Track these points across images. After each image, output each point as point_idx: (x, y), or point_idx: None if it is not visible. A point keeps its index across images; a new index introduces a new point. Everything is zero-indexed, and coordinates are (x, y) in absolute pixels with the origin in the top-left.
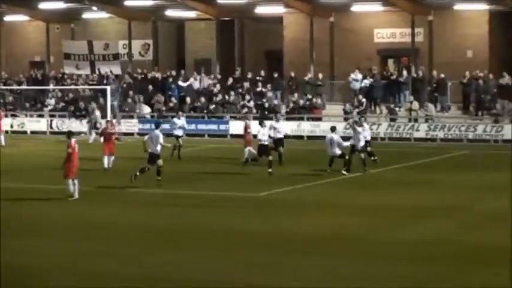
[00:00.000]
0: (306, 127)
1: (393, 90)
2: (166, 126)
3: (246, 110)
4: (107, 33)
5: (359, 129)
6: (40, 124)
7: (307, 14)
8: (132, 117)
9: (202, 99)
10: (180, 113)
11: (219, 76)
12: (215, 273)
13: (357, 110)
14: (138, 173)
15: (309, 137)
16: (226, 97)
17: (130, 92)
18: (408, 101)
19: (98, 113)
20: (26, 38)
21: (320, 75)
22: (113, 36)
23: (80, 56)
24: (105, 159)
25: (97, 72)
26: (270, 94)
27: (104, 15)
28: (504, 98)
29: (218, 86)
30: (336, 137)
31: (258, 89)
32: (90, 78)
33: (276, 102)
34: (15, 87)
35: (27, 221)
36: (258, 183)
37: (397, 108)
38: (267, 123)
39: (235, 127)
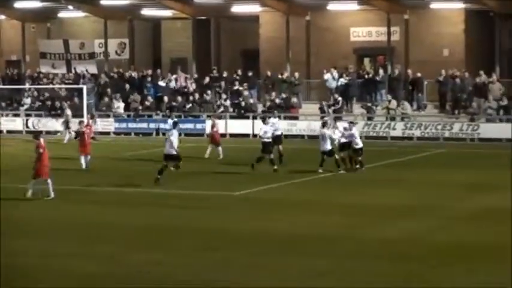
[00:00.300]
0: (282, 126)
1: (369, 89)
2: (143, 125)
3: (222, 109)
4: (83, 33)
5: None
6: (16, 123)
7: (283, 13)
8: (108, 116)
9: (179, 98)
10: (173, 114)
11: (195, 75)
12: (193, 273)
13: (332, 108)
14: (172, 169)
15: (286, 136)
16: (204, 96)
17: (108, 90)
18: (386, 100)
19: (69, 112)
20: (1, 37)
21: (296, 74)
22: (89, 35)
23: (56, 55)
24: (83, 159)
25: (73, 71)
26: (246, 93)
27: (79, 14)
28: (480, 96)
29: (193, 85)
30: (328, 132)
31: (235, 88)
32: (66, 77)
33: (252, 101)
34: None
35: (4, 221)
36: (235, 182)
37: (374, 107)
38: (270, 120)
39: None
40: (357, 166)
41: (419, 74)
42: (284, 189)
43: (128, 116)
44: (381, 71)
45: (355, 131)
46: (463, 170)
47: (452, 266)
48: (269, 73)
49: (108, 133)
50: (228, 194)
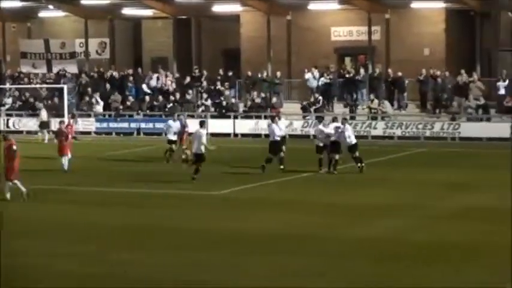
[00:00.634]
0: (263, 125)
1: (350, 89)
2: (124, 125)
3: (203, 108)
4: (63, 32)
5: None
6: None
7: (264, 13)
8: (89, 115)
9: (160, 97)
10: (176, 114)
11: (176, 75)
12: (173, 273)
13: (313, 108)
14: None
15: (267, 135)
16: (185, 96)
17: (89, 90)
18: (369, 99)
19: (44, 113)
20: None
21: (278, 74)
22: (70, 35)
23: (37, 54)
24: (63, 160)
25: (54, 70)
26: (227, 92)
27: (60, 13)
28: (461, 95)
29: (174, 85)
30: (326, 129)
31: (216, 88)
32: (47, 77)
33: (234, 100)
34: None
35: None
36: (214, 182)
37: (359, 107)
38: (280, 121)
39: (193, 126)
40: (361, 164)
41: (400, 74)
42: (266, 188)
43: (109, 115)
44: (362, 71)
45: (349, 128)
46: (444, 169)
47: (435, 265)
48: (250, 73)
49: (89, 133)
50: (209, 193)
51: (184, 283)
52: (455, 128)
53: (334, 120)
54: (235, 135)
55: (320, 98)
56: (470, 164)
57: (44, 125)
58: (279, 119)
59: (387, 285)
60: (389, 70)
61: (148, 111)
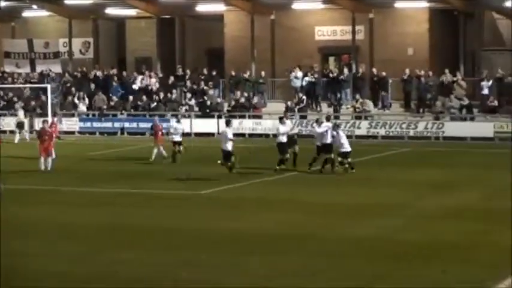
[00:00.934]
0: (247, 125)
1: (334, 88)
2: (108, 124)
3: (186, 107)
4: (47, 32)
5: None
6: None
7: (248, 12)
8: (72, 115)
9: (144, 97)
10: (180, 116)
11: (160, 74)
12: (162, 272)
13: (297, 107)
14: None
15: (251, 135)
16: (168, 95)
17: (73, 89)
18: (354, 99)
19: (21, 112)
20: None
21: (263, 73)
22: (53, 35)
23: (20, 54)
24: (42, 161)
25: (37, 70)
26: (211, 92)
27: (44, 13)
28: (445, 95)
29: (157, 84)
30: (318, 129)
31: (200, 87)
32: (31, 77)
33: (219, 100)
34: None
35: None
36: (200, 181)
37: (343, 107)
38: (288, 121)
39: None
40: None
41: (384, 73)
42: (251, 188)
43: (93, 115)
44: (346, 70)
45: (342, 135)
46: (427, 169)
47: (420, 265)
48: (233, 72)
49: (72, 132)
50: (194, 193)
51: (173, 283)
52: (439, 127)
53: (329, 119)
54: (219, 134)
55: (304, 97)
56: (454, 163)
57: (20, 125)
58: (287, 118)
59: (376, 285)
60: (374, 70)
61: (132, 110)
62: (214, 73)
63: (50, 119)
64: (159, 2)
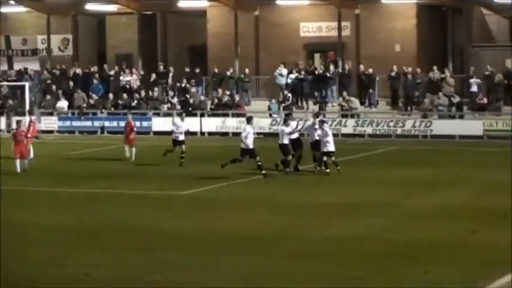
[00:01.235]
0: (231, 123)
1: (320, 86)
2: (87, 123)
3: (169, 106)
4: (25, 28)
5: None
6: None
7: (231, 8)
8: (51, 114)
9: (124, 95)
10: (183, 114)
11: (142, 71)
12: (138, 274)
13: (282, 105)
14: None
15: (234, 134)
16: (150, 93)
17: (53, 87)
18: (342, 97)
19: None
20: None
21: (247, 70)
22: (32, 31)
23: None
24: (17, 163)
25: (15, 68)
26: (193, 90)
27: (22, 9)
28: (433, 92)
29: (138, 82)
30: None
31: (182, 85)
32: (8, 75)
33: (202, 98)
34: None
35: None
36: (181, 182)
37: (329, 104)
38: (292, 122)
39: (159, 124)
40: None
41: (370, 70)
42: (233, 188)
43: (72, 113)
44: (332, 67)
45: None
46: (416, 168)
47: (405, 265)
48: (216, 69)
49: (51, 131)
50: (176, 193)
51: (149, 284)
52: (427, 125)
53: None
54: (202, 133)
55: (289, 95)
56: (442, 162)
57: None
58: (292, 119)
59: (368, 285)
60: (361, 66)
61: (112, 109)
62: (197, 70)
63: (27, 118)
64: None
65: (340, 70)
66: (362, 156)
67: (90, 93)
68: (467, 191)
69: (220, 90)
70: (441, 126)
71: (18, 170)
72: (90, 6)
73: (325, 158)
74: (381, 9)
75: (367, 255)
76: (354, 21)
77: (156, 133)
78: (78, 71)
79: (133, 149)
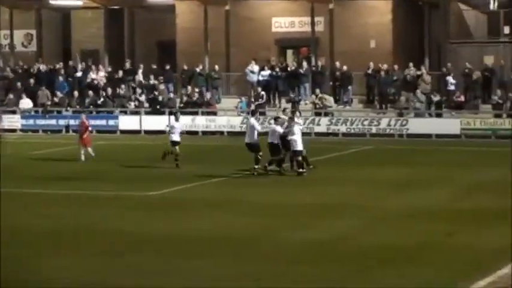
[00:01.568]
0: (200, 122)
1: (293, 83)
2: (52, 122)
3: (136, 103)
4: None
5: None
6: None
7: (200, 2)
8: (14, 112)
9: (90, 92)
10: (179, 113)
11: (109, 68)
12: (104, 277)
13: (256, 103)
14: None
15: (204, 133)
16: (117, 90)
17: (18, 85)
18: (315, 94)
19: None
20: None
21: (216, 67)
22: None
23: None
24: None
25: None
26: (162, 87)
27: None
28: (409, 90)
29: (104, 79)
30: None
31: (150, 82)
32: None
33: (172, 95)
34: None
35: None
36: (149, 182)
37: (302, 102)
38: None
39: (126, 122)
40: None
41: (345, 67)
42: (202, 188)
43: (36, 112)
44: (305, 64)
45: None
46: (391, 168)
47: (379, 268)
48: (186, 66)
49: (14, 130)
50: (144, 194)
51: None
52: (403, 124)
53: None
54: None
55: (263, 93)
56: (419, 161)
57: None
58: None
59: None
60: (337, 63)
61: (77, 107)
62: (167, 67)
63: None
64: None
65: (313, 67)
66: (336, 156)
67: (55, 90)
68: (444, 191)
69: (190, 88)
70: (417, 125)
71: None
72: (54, 1)
73: (300, 158)
74: (356, 4)
75: (341, 258)
76: (328, 16)
77: (123, 132)
78: (42, 67)
79: (90, 149)
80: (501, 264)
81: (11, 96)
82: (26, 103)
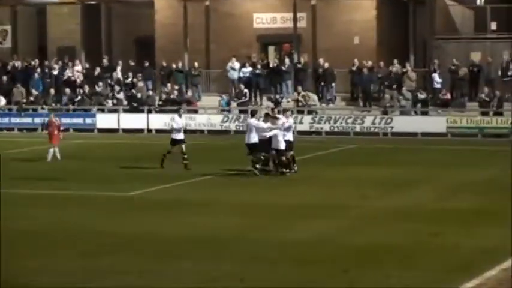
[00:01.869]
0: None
1: (274, 80)
2: (27, 120)
3: (114, 101)
4: None
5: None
6: None
7: None
8: None
9: (67, 90)
10: (182, 110)
11: (86, 65)
12: (83, 279)
13: (239, 101)
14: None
15: (184, 131)
16: (94, 88)
17: None
18: (297, 92)
19: None
20: None
21: (196, 64)
22: None
23: None
24: None
25: None
26: (141, 84)
27: None
28: (393, 87)
29: (81, 76)
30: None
31: (128, 79)
32: None
33: (150, 93)
34: None
35: None
36: (128, 182)
37: (284, 100)
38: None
39: (103, 121)
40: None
41: (326, 64)
42: (182, 188)
43: (9, 110)
44: (287, 61)
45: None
46: (375, 167)
47: (365, 269)
48: (165, 63)
49: None
50: (122, 194)
51: None
52: (388, 122)
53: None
54: (149, 130)
55: (246, 91)
56: (404, 161)
57: None
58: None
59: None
60: (321, 60)
61: (54, 105)
62: (146, 64)
63: None
64: None
65: (295, 64)
66: (319, 155)
67: (30, 88)
68: (430, 191)
69: (169, 85)
70: (402, 123)
71: None
72: None
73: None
74: (339, 0)
75: (325, 258)
76: (310, 12)
77: (101, 130)
78: (18, 64)
79: (56, 149)
80: (488, 266)
81: None
82: (0, 101)
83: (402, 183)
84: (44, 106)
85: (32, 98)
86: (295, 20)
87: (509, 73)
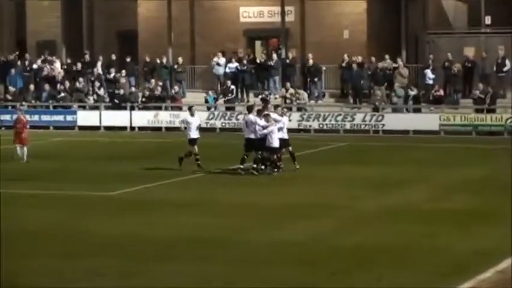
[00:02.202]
0: (164, 117)
1: (262, 76)
2: (6, 117)
3: (95, 97)
4: None
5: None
6: None
7: None
8: None
9: (47, 86)
10: (194, 107)
11: (68, 60)
12: (64, 280)
13: (225, 98)
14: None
15: (168, 129)
16: (75, 84)
17: None
18: (285, 88)
19: None
20: None
21: (180, 59)
22: None
23: None
24: None
25: None
26: (123, 80)
27: None
28: (384, 83)
29: (62, 72)
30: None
31: (111, 75)
32: None
33: (133, 89)
34: None
35: None
36: (109, 181)
37: (271, 96)
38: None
39: (84, 118)
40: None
41: (312, 61)
42: (168, 187)
43: None
44: (274, 56)
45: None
46: (366, 166)
47: (356, 271)
48: (148, 58)
49: None
50: (104, 194)
51: None
52: (379, 119)
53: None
54: (132, 128)
55: (233, 87)
56: (395, 159)
57: None
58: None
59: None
60: (309, 55)
61: (33, 101)
62: (128, 59)
63: None
64: None
65: (283, 59)
66: (308, 154)
67: (7, 84)
68: (423, 190)
69: (153, 81)
70: (394, 121)
71: None
72: None
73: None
74: None
75: (315, 259)
76: (299, 6)
77: (82, 127)
78: None
79: (25, 149)
80: (482, 268)
81: None
82: None
83: (394, 183)
84: (24, 103)
85: (8, 95)
86: (283, 13)
87: (504, 69)
